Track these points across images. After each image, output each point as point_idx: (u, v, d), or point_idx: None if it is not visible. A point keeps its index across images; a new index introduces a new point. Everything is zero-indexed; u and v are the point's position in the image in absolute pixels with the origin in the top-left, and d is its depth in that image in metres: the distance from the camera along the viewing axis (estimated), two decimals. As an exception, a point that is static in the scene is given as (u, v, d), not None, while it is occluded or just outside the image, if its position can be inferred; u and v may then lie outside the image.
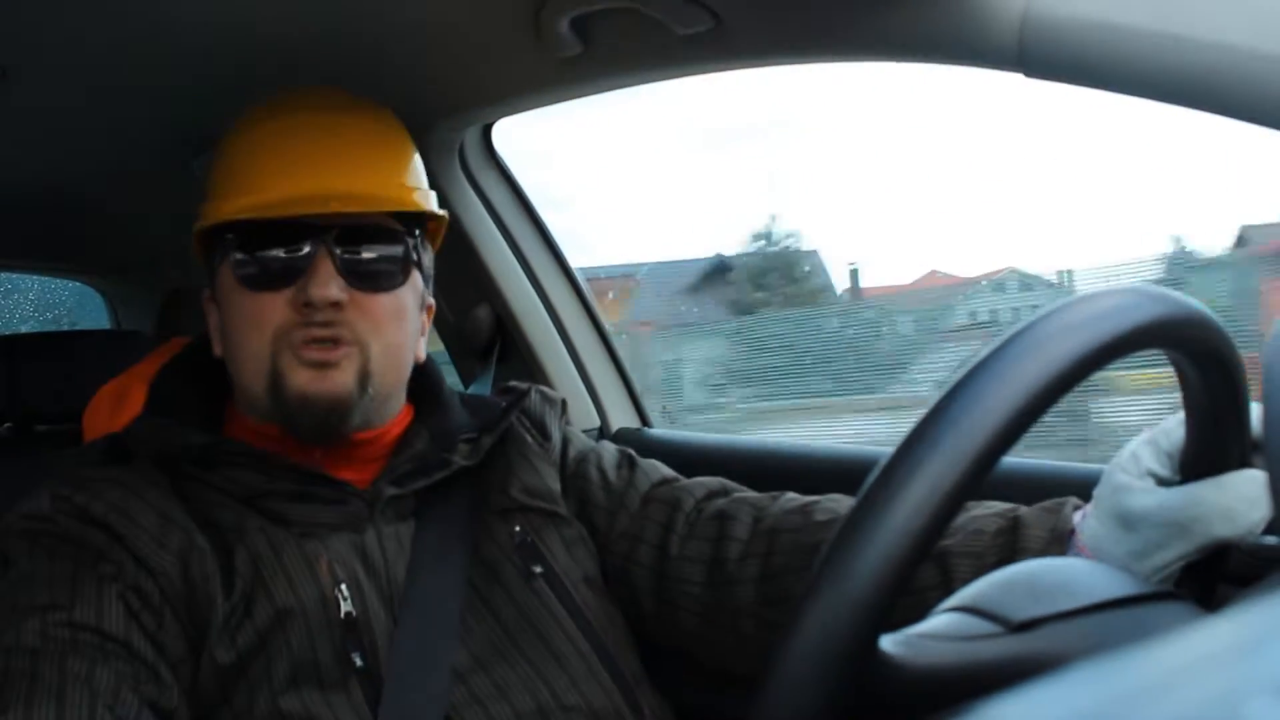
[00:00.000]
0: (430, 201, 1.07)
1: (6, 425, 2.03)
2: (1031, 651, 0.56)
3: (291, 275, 0.98)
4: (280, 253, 0.98)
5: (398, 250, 1.02)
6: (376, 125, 1.06)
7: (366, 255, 0.99)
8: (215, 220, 1.00)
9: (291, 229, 0.98)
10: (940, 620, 0.59)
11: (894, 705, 0.53)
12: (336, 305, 0.97)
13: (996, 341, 0.53)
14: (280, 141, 1.01)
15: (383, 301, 1.00)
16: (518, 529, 1.06)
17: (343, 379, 0.98)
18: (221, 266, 1.02)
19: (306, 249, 0.97)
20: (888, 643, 0.53)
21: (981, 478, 0.50)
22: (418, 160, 1.08)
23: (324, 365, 0.97)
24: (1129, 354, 0.56)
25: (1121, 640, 0.56)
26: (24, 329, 2.80)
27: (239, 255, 0.99)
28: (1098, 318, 0.54)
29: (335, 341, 0.98)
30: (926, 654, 0.55)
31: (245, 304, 0.99)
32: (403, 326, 1.03)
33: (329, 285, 0.96)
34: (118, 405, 1.21)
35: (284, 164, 0.99)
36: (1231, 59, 0.76)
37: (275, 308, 0.98)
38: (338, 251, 0.97)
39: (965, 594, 0.61)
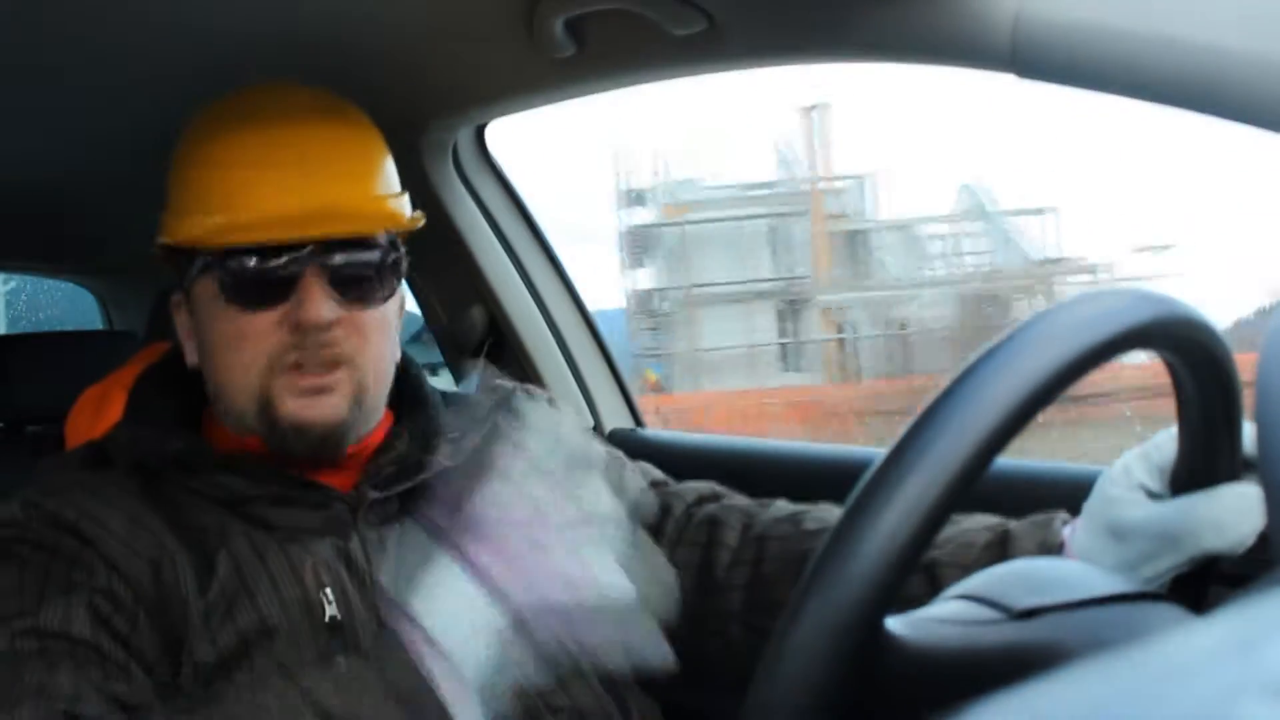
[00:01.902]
0: (405, 206, 1.04)
1: (-3, 426, 2.02)
2: (1031, 639, 0.57)
3: (279, 292, 0.94)
4: (264, 265, 0.94)
5: (380, 258, 0.98)
6: (349, 131, 1.02)
7: (352, 266, 0.96)
8: (187, 240, 0.97)
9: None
10: (944, 606, 0.61)
11: (897, 684, 0.54)
12: (330, 326, 0.94)
13: (996, 338, 0.55)
14: (253, 154, 0.96)
15: (372, 316, 0.98)
16: None
17: (337, 404, 0.96)
18: (200, 278, 0.97)
19: (292, 260, 0.94)
20: (893, 623, 0.55)
21: (983, 467, 0.51)
22: (390, 162, 1.04)
23: (319, 391, 0.95)
24: (1124, 353, 0.56)
25: (1118, 634, 0.57)
26: (16, 329, 2.80)
27: (218, 268, 0.95)
28: (1092, 319, 0.55)
29: (329, 365, 0.95)
30: (930, 636, 0.56)
31: (229, 321, 0.95)
32: (389, 337, 1.01)
33: (322, 306, 0.93)
34: (98, 411, 1.20)
35: (260, 180, 0.95)
36: (1225, 61, 0.76)
37: (264, 329, 0.94)
38: (324, 265, 0.94)
39: (968, 584, 0.63)
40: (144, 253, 1.05)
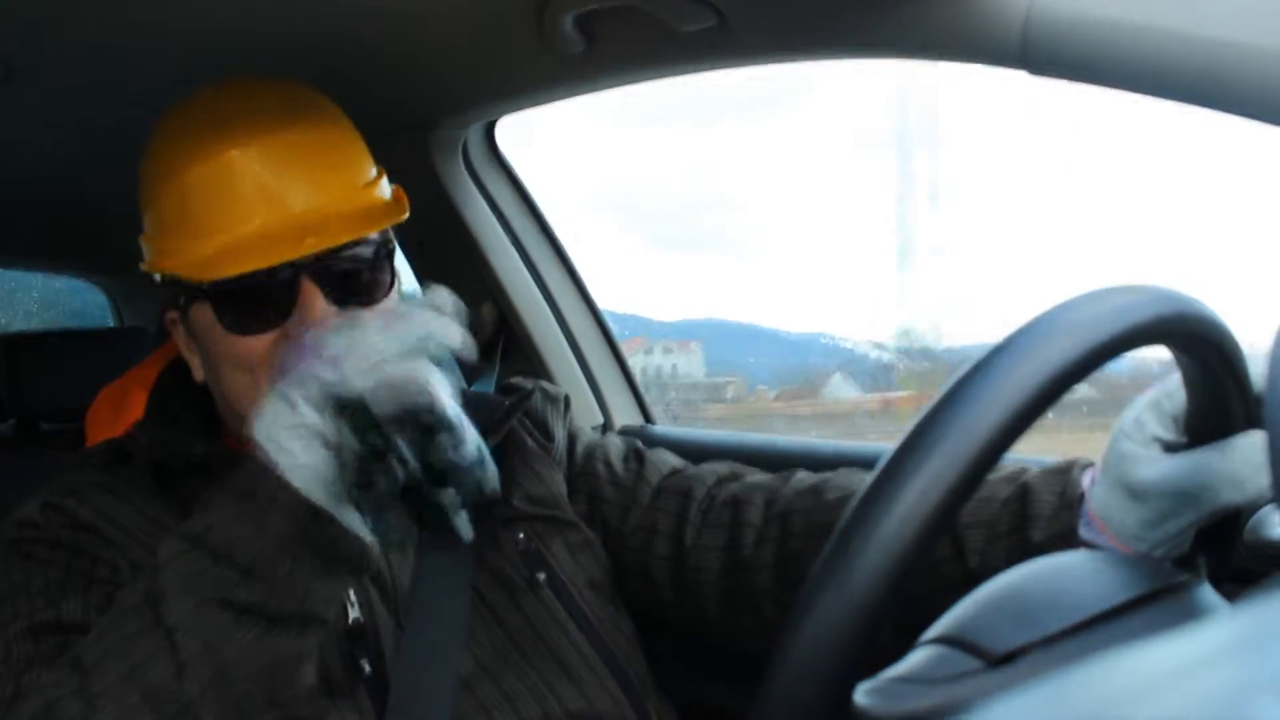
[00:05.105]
0: (385, 190, 1.01)
1: (10, 423, 2.03)
2: (1014, 688, 0.54)
3: (278, 311, 0.92)
4: (259, 288, 0.92)
5: (373, 251, 0.97)
6: (317, 127, 0.98)
7: (346, 264, 0.94)
8: (177, 272, 0.94)
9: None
10: (918, 657, 0.57)
11: None
12: None
13: (985, 355, 0.53)
14: (226, 173, 0.93)
15: (375, 314, 0.94)
16: (521, 536, 1.05)
17: None
18: (195, 304, 0.96)
19: (286, 280, 0.92)
20: (862, 694, 0.52)
21: (967, 497, 0.50)
22: (362, 147, 1.02)
23: None
24: (1130, 350, 0.56)
25: None
26: (28, 326, 2.81)
27: (214, 297, 0.93)
28: (1102, 315, 0.54)
29: None
30: (903, 701, 0.53)
31: (232, 347, 0.94)
32: None
33: (325, 316, 0.91)
34: (118, 408, 1.21)
35: (238, 201, 0.92)
36: (1236, 56, 0.76)
37: (268, 349, 0.92)
38: (318, 273, 0.92)
39: (947, 621, 0.58)
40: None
